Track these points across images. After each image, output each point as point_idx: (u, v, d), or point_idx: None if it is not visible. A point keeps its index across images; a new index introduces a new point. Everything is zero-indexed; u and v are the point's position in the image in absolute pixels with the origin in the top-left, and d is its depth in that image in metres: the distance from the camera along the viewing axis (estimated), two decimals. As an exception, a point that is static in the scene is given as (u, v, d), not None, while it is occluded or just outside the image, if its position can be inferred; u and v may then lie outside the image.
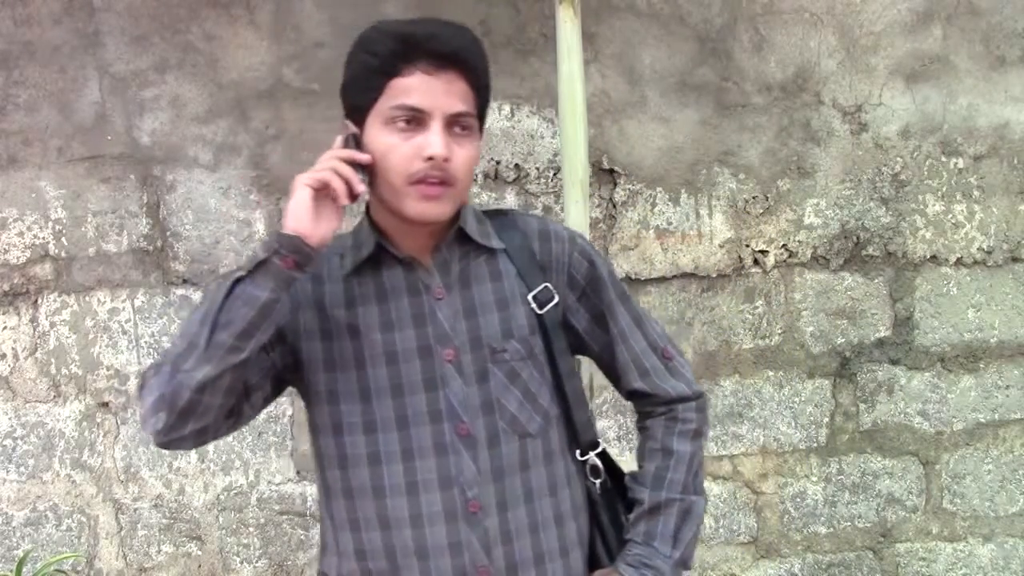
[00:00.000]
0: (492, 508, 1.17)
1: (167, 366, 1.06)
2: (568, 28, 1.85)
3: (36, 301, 2.41)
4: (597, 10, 2.41)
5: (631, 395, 1.33)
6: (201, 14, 2.37)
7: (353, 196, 1.11)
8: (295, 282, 1.09)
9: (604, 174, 2.48)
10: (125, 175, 2.40)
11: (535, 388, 1.22)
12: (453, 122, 1.13)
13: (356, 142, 1.15)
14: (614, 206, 2.49)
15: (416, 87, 1.11)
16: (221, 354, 1.04)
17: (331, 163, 1.10)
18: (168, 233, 2.41)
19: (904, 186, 2.55)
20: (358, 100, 1.15)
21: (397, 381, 1.16)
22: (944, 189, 2.56)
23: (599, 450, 1.30)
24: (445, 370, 1.17)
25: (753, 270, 2.54)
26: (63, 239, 2.40)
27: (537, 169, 2.46)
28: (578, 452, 1.29)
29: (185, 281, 2.42)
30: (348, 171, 1.10)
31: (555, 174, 2.46)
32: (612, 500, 1.30)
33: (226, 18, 2.38)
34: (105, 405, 2.43)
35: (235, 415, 1.14)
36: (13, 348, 2.41)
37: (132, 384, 2.43)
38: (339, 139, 1.15)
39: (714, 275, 2.52)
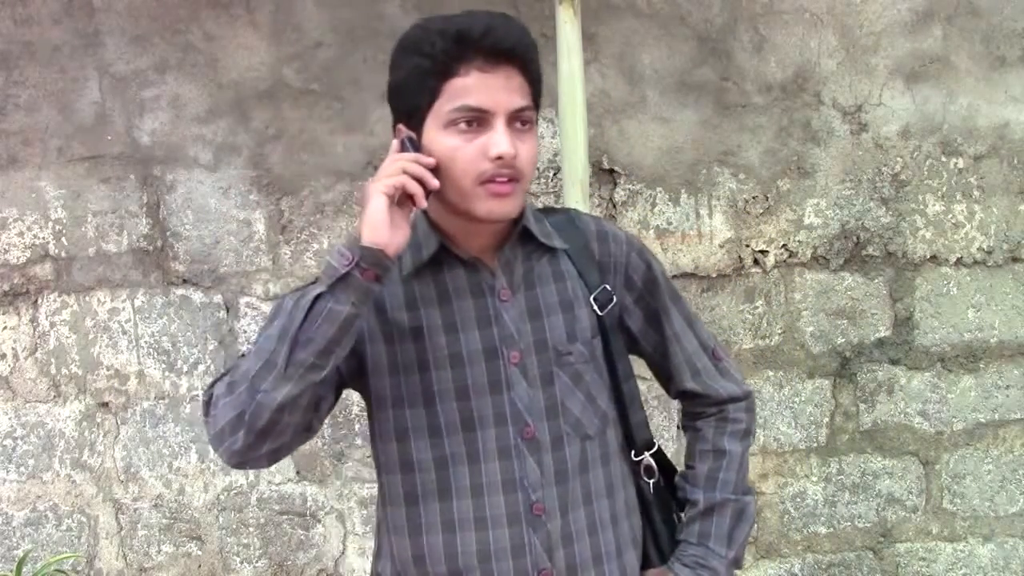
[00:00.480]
0: (555, 511, 1.16)
1: (242, 385, 1.03)
2: (568, 28, 1.85)
3: (36, 301, 2.41)
4: (597, 10, 2.41)
5: (682, 395, 1.34)
6: (201, 14, 2.37)
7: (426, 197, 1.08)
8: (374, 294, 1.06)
9: (604, 174, 2.48)
10: (125, 175, 2.40)
11: (596, 391, 1.23)
12: (514, 118, 1.11)
13: (413, 145, 1.11)
14: (614, 206, 2.49)
15: (475, 87, 1.08)
16: (301, 372, 1.02)
17: (401, 165, 1.07)
18: (168, 233, 2.41)
19: (904, 186, 2.55)
20: (412, 104, 1.12)
21: (462, 384, 1.15)
22: (944, 189, 2.56)
23: (654, 450, 1.32)
24: (511, 373, 1.16)
25: (753, 270, 2.54)
26: (63, 239, 2.40)
27: (537, 169, 2.46)
28: (633, 452, 1.30)
29: (185, 281, 2.42)
30: (420, 171, 1.07)
31: (555, 174, 2.46)
32: (665, 500, 1.32)
33: (226, 18, 2.38)
34: (105, 405, 2.43)
35: (308, 429, 1.12)
36: (13, 348, 2.41)
37: (132, 384, 2.43)
38: (396, 143, 1.12)
39: (714, 275, 2.52)
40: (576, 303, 1.22)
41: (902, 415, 2.59)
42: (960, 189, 2.56)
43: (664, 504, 1.31)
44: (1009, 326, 2.60)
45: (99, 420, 2.43)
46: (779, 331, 2.55)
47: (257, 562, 2.47)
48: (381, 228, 1.04)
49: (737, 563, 1.29)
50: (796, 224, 2.53)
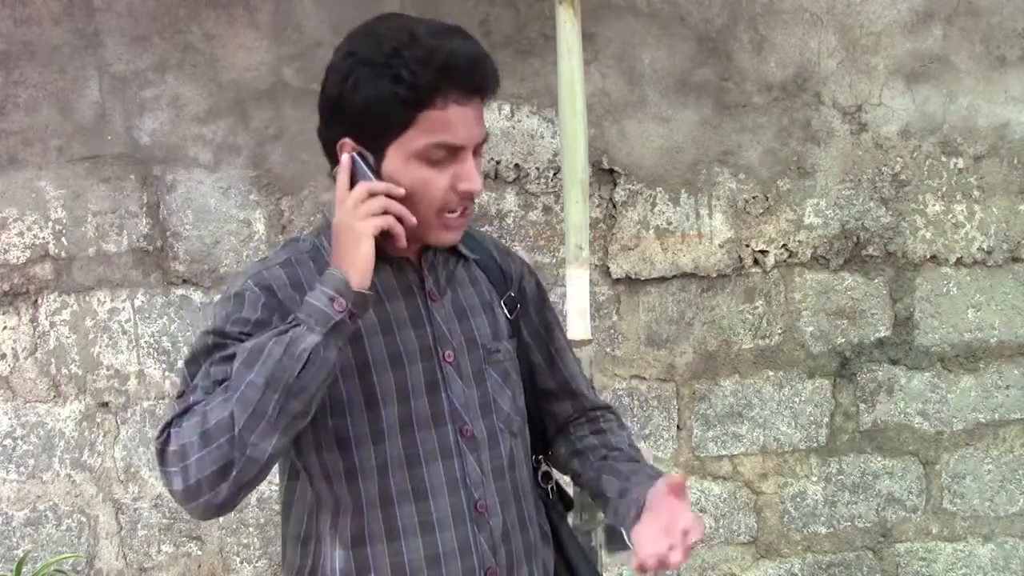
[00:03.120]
0: (496, 507, 1.17)
1: (223, 436, 0.97)
2: (568, 28, 1.85)
3: (36, 301, 2.41)
4: (597, 10, 2.41)
5: (571, 402, 1.35)
6: (201, 14, 2.37)
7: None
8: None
9: (604, 174, 2.48)
10: (125, 175, 2.40)
11: (518, 389, 1.25)
12: (476, 150, 1.11)
13: (367, 164, 1.07)
14: (614, 206, 2.49)
15: (454, 121, 1.06)
16: (289, 421, 0.99)
17: (382, 203, 1.04)
18: (168, 233, 2.41)
19: (904, 186, 2.55)
20: (377, 128, 1.07)
21: (402, 384, 1.12)
22: (944, 189, 2.56)
23: (550, 456, 1.36)
24: (447, 371, 1.15)
25: (753, 270, 2.53)
26: (63, 239, 2.40)
27: (537, 169, 2.46)
28: (534, 456, 1.33)
29: (185, 281, 2.42)
30: (401, 209, 1.05)
31: (555, 174, 2.46)
32: (559, 506, 1.35)
33: (226, 18, 2.38)
34: (105, 405, 2.43)
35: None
36: (13, 348, 2.41)
37: (132, 384, 2.43)
38: (345, 159, 1.08)
39: (714, 275, 2.52)
40: (493, 305, 1.25)
41: (902, 415, 2.59)
42: (960, 189, 2.56)
43: (556, 508, 1.34)
44: (1009, 326, 2.60)
45: (99, 420, 2.43)
46: (779, 331, 2.55)
47: (257, 562, 2.47)
48: (369, 272, 1.02)
49: None
50: (796, 224, 2.53)
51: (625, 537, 1.16)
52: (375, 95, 1.05)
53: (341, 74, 1.10)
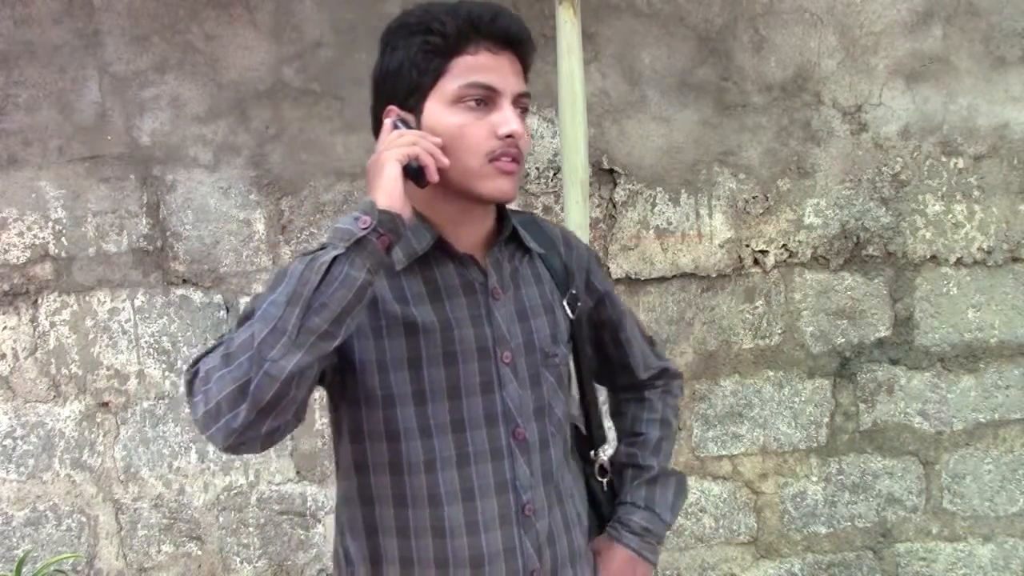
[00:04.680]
0: (544, 510, 1.16)
1: (243, 355, 0.95)
2: (568, 28, 1.85)
3: (36, 301, 2.41)
4: (597, 10, 2.41)
5: (631, 386, 1.41)
6: (201, 14, 2.37)
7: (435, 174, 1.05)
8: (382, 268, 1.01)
9: (604, 174, 2.48)
10: (125, 175, 2.40)
11: (568, 394, 1.25)
12: (516, 102, 1.11)
13: (407, 127, 1.09)
14: (614, 206, 2.49)
15: (486, 65, 1.08)
16: (313, 340, 0.94)
17: (410, 138, 1.04)
18: (168, 233, 2.41)
19: (904, 186, 2.55)
20: (414, 83, 1.10)
21: (454, 383, 1.12)
22: (944, 189, 2.56)
23: (605, 448, 1.36)
24: (503, 372, 1.14)
25: (753, 270, 2.54)
26: (63, 239, 2.40)
27: (537, 169, 2.46)
28: (592, 452, 1.34)
29: (185, 281, 2.42)
30: (431, 145, 1.04)
31: (555, 174, 2.46)
32: (610, 499, 1.35)
33: (226, 18, 2.38)
34: (105, 405, 2.43)
35: (302, 412, 1.03)
36: (13, 348, 2.41)
37: (132, 384, 2.43)
38: (387, 123, 1.10)
39: (714, 275, 2.52)
40: (555, 306, 1.24)
41: (902, 415, 2.59)
42: (960, 189, 2.56)
43: (610, 503, 1.35)
44: (1009, 326, 2.60)
45: (99, 420, 2.43)
46: (779, 331, 2.55)
47: (257, 562, 2.47)
48: (396, 195, 1.00)
49: (669, 527, 1.36)
50: (796, 224, 2.53)
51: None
52: (409, 51, 1.10)
53: (382, 49, 1.15)
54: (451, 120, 1.08)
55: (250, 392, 0.94)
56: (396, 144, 1.03)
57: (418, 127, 1.10)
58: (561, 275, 1.26)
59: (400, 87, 1.11)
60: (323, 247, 0.98)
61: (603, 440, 1.35)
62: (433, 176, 1.04)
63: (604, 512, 1.33)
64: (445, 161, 1.05)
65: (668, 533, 1.37)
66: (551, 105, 2.42)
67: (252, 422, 0.95)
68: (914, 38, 2.52)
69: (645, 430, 1.36)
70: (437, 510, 1.11)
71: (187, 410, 2.43)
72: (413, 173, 1.04)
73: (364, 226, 0.97)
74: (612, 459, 1.38)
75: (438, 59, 1.08)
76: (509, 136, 1.08)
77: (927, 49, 2.53)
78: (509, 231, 1.19)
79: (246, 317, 1.03)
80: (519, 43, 1.12)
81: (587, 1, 2.13)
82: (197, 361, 1.02)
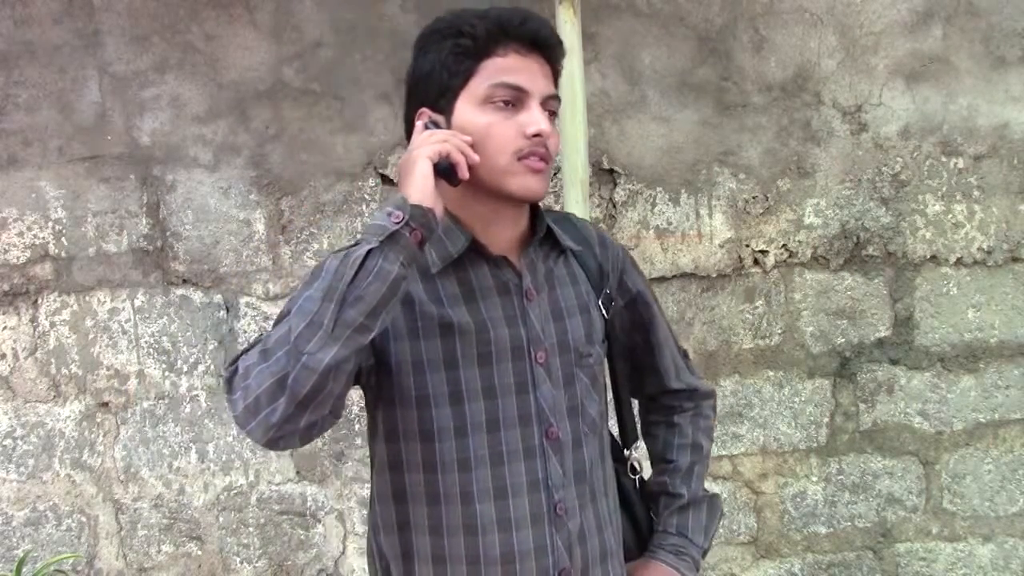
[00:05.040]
0: (575, 509, 1.17)
1: (281, 349, 0.96)
2: (568, 28, 1.85)
3: (36, 301, 2.41)
4: (597, 10, 2.41)
5: (661, 395, 1.40)
6: (201, 14, 2.37)
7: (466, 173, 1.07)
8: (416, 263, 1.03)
9: (604, 174, 2.48)
10: (125, 175, 2.40)
11: (603, 393, 1.26)
12: (545, 104, 1.13)
13: (438, 128, 1.11)
14: (614, 206, 2.49)
15: (515, 67, 1.11)
16: (349, 333, 0.96)
17: (441, 136, 1.06)
18: (168, 233, 2.41)
19: (904, 186, 2.55)
20: (445, 85, 1.12)
21: (489, 383, 1.13)
22: (944, 189, 2.56)
23: (638, 446, 1.38)
24: (537, 372, 1.16)
25: (753, 270, 2.54)
26: (63, 239, 2.40)
27: (537, 169, 2.46)
28: (624, 450, 1.35)
29: (185, 281, 2.42)
30: (462, 144, 1.06)
31: (555, 174, 2.46)
32: (643, 496, 1.37)
33: (226, 18, 2.38)
34: (105, 405, 2.43)
35: (339, 408, 1.05)
36: (13, 348, 2.41)
37: (132, 384, 2.43)
38: (419, 124, 1.12)
39: (714, 275, 2.52)
40: (590, 305, 1.25)
41: (902, 415, 2.59)
42: (960, 189, 2.56)
43: (643, 500, 1.36)
44: (1009, 326, 2.60)
45: (99, 420, 2.43)
46: (779, 331, 2.55)
47: (257, 562, 2.47)
48: (428, 191, 1.02)
49: (705, 553, 1.37)
50: (796, 224, 2.53)
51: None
52: (440, 54, 1.12)
53: (415, 54, 1.17)
54: (480, 120, 1.11)
55: (288, 385, 0.95)
56: (427, 142, 1.05)
57: (448, 128, 1.11)
58: (596, 275, 1.27)
59: (431, 89, 1.14)
60: (357, 243, 1.00)
61: (635, 438, 1.37)
62: (464, 173, 1.06)
63: (636, 513, 1.34)
64: (475, 157, 1.07)
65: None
66: (551, 105, 2.41)
67: (291, 416, 0.97)
68: (914, 38, 2.52)
69: (676, 457, 1.37)
70: (469, 508, 1.13)
71: (186, 410, 2.43)
72: (444, 171, 1.05)
73: (396, 221, 0.99)
74: (646, 486, 1.39)
75: (468, 61, 1.11)
76: (537, 135, 1.10)
77: (927, 49, 2.53)
78: (544, 231, 1.20)
79: (284, 315, 1.05)
80: (548, 46, 1.15)
81: (587, 1, 2.14)
82: (236, 359, 1.04)
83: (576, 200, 1.87)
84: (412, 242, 1.00)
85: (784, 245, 2.53)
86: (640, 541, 1.34)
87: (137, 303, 2.42)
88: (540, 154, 1.11)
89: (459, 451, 1.12)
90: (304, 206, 2.42)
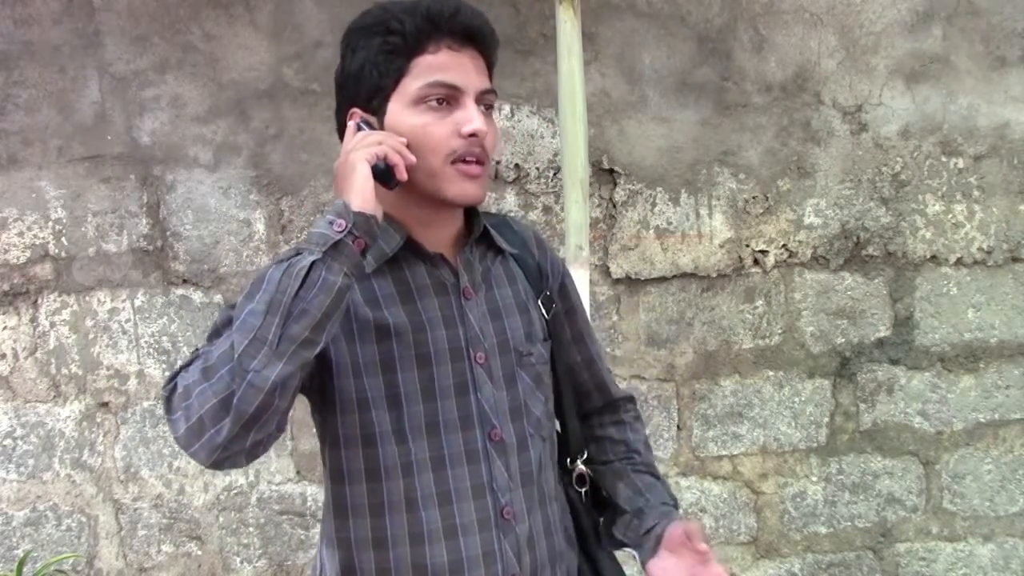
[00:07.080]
0: (523, 513, 1.14)
1: (224, 367, 0.92)
2: (568, 28, 1.85)
3: (36, 301, 2.41)
4: (597, 10, 2.41)
5: (605, 406, 1.37)
6: (201, 14, 2.37)
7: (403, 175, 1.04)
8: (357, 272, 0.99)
9: (604, 174, 2.48)
10: (125, 175, 2.40)
11: (549, 393, 1.23)
12: (480, 99, 1.10)
13: (370, 128, 1.08)
14: (614, 206, 2.49)
15: (447, 64, 1.07)
16: (295, 348, 0.93)
17: (376, 138, 1.03)
18: (168, 233, 2.41)
19: (904, 186, 2.55)
20: (375, 85, 1.08)
21: (428, 385, 1.10)
22: (944, 189, 2.56)
23: (585, 457, 1.32)
24: (477, 373, 1.12)
25: (753, 270, 2.54)
26: (63, 239, 2.40)
27: (537, 169, 2.46)
28: (568, 460, 1.29)
29: (185, 281, 2.42)
30: (399, 144, 1.03)
31: (555, 174, 2.46)
32: (589, 509, 1.32)
33: (226, 18, 2.38)
34: (105, 405, 2.43)
35: (283, 424, 1.01)
36: (13, 348, 2.41)
37: (132, 384, 2.43)
38: (351, 125, 1.08)
39: (714, 275, 2.52)
40: (529, 305, 1.22)
41: (902, 415, 2.59)
42: (960, 189, 2.56)
43: (589, 513, 1.30)
44: (1009, 326, 2.60)
45: (99, 420, 2.43)
46: (779, 331, 2.55)
47: (257, 562, 2.47)
48: (369, 196, 0.99)
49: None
50: (796, 224, 2.53)
51: (635, 557, 1.22)
52: (369, 53, 1.08)
53: (343, 51, 1.13)
54: (413, 121, 1.07)
55: (233, 405, 0.92)
56: (362, 144, 1.02)
57: (381, 129, 1.08)
58: (535, 275, 1.24)
59: (362, 89, 1.10)
60: (298, 252, 0.96)
61: (580, 450, 1.31)
62: (402, 175, 1.03)
63: (583, 523, 1.28)
64: (412, 159, 1.04)
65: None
66: (551, 105, 2.42)
67: (236, 436, 0.93)
68: (914, 38, 2.52)
69: (634, 444, 1.33)
70: (414, 515, 1.09)
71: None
72: (382, 174, 1.03)
73: (339, 229, 0.96)
74: (604, 477, 1.32)
75: (398, 60, 1.07)
76: (473, 135, 1.07)
77: (927, 49, 2.53)
78: (480, 231, 1.18)
79: (222, 326, 1.01)
80: (481, 38, 1.10)
81: (587, 1, 2.14)
82: (174, 377, 0.99)
83: (576, 200, 1.87)
84: (355, 251, 0.97)
85: (784, 245, 2.53)
86: (586, 553, 1.28)
87: (137, 303, 2.42)
88: (476, 155, 1.08)
89: (401, 456, 1.09)
90: (304, 206, 2.42)
